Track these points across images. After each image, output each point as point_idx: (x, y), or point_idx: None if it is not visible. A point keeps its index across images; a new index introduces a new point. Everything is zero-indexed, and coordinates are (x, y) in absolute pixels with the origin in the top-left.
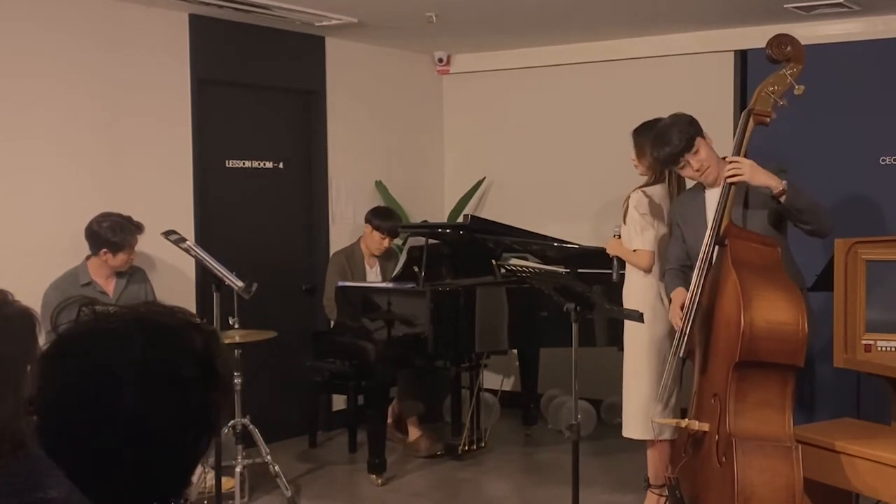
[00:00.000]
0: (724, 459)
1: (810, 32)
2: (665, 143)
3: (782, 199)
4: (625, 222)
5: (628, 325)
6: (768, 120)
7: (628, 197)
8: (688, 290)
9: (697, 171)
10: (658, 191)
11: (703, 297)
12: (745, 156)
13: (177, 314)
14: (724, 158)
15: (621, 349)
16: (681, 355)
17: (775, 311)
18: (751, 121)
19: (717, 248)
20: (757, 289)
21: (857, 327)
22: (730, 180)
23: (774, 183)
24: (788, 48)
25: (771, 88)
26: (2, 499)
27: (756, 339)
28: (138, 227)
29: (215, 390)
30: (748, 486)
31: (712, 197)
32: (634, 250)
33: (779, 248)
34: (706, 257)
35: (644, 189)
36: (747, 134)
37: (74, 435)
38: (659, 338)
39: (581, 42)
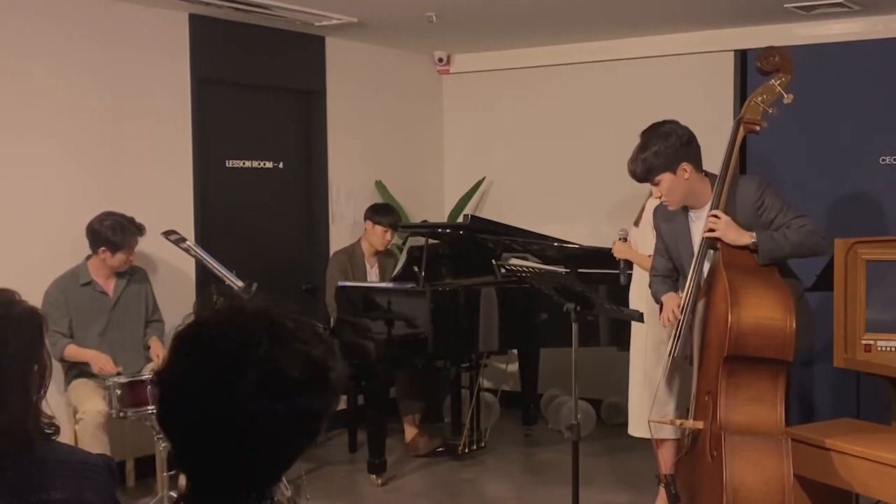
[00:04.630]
0: (714, 454)
1: (810, 32)
2: (630, 160)
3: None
4: (637, 225)
5: (635, 325)
6: (758, 128)
7: (645, 201)
8: (677, 295)
9: (658, 197)
10: None
11: (698, 300)
12: (736, 161)
13: (302, 321)
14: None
15: (622, 349)
16: (675, 356)
17: (763, 308)
18: (741, 129)
19: (710, 252)
20: (745, 287)
21: (857, 327)
22: (706, 235)
23: (746, 240)
24: (776, 58)
25: (760, 98)
26: (5, 499)
27: (743, 335)
28: (139, 229)
29: (326, 398)
30: (737, 479)
31: (697, 222)
32: (650, 255)
33: None
34: (698, 265)
35: None
36: (737, 142)
37: (187, 412)
38: (664, 339)
39: (581, 42)
